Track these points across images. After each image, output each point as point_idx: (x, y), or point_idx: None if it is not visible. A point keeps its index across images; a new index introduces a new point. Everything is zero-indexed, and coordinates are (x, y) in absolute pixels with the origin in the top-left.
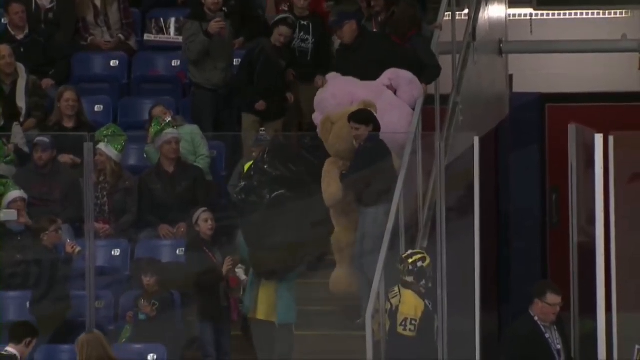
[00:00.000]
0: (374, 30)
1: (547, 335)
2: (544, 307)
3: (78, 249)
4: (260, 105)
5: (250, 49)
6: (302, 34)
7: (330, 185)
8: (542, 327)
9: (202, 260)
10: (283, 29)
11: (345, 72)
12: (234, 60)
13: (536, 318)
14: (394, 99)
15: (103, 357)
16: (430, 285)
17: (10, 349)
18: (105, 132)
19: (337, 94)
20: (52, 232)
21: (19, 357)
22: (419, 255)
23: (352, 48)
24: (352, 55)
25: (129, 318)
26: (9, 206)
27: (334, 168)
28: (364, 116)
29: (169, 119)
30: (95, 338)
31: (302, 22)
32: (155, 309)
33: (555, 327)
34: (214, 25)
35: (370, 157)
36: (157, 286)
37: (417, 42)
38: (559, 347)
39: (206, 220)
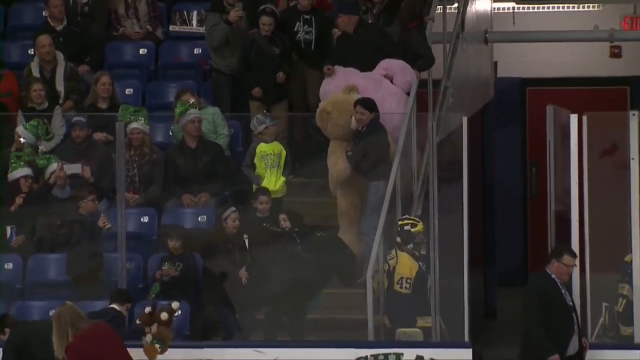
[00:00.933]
0: (370, 22)
1: (562, 291)
2: (560, 267)
3: (109, 225)
4: (257, 92)
5: (245, 41)
6: (305, 27)
7: (338, 163)
8: (559, 283)
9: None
10: (264, 19)
11: (344, 60)
12: None
13: (553, 276)
14: (391, 88)
15: (78, 321)
16: (423, 252)
17: (117, 307)
18: (127, 112)
19: (341, 86)
20: (89, 202)
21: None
22: (409, 221)
23: (352, 38)
24: (352, 44)
25: (159, 276)
26: (50, 177)
27: (339, 148)
28: (370, 104)
29: (192, 100)
30: (69, 307)
31: (306, 17)
32: (180, 269)
33: (565, 287)
34: (234, 15)
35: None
36: (181, 249)
37: (415, 34)
38: (571, 303)
39: (234, 220)
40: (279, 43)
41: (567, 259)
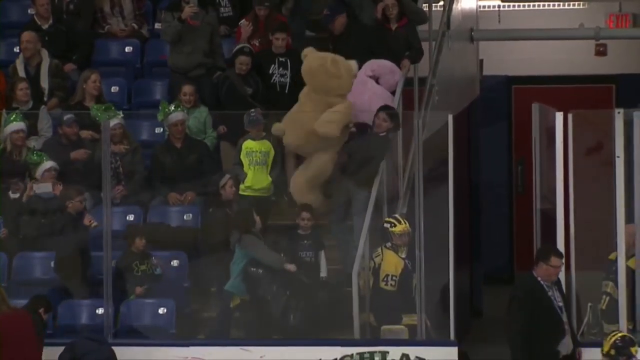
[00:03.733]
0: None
1: (549, 293)
2: (548, 269)
3: (94, 223)
4: (221, 129)
5: (217, 76)
6: (280, 69)
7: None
8: (544, 285)
9: (221, 219)
10: (241, 59)
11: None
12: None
13: (539, 278)
14: (377, 88)
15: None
16: (402, 255)
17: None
18: (99, 110)
19: None
20: (76, 202)
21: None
22: (390, 220)
23: (342, 37)
24: (343, 44)
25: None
26: (43, 174)
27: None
28: (395, 115)
29: (172, 107)
30: None
31: (281, 59)
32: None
33: (555, 287)
34: (188, 10)
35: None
36: (146, 248)
37: (407, 28)
38: (560, 304)
39: (231, 186)
40: (252, 83)
41: (553, 260)
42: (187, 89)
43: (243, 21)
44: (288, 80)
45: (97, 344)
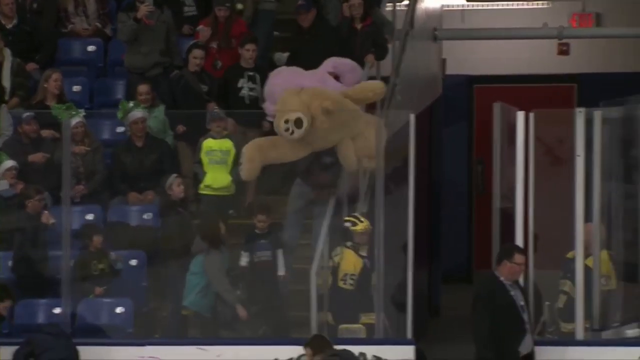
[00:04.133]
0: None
1: (511, 292)
2: (512, 267)
3: (52, 220)
4: (179, 129)
5: (171, 76)
6: (249, 83)
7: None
8: (506, 285)
9: (178, 220)
10: (196, 52)
11: (299, 57)
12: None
13: (502, 278)
14: (337, 86)
15: None
16: (363, 253)
17: None
18: (60, 109)
19: (283, 84)
20: (35, 201)
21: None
22: (351, 219)
23: (309, 35)
24: (309, 42)
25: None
26: (3, 173)
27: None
28: None
29: (131, 103)
30: None
31: (249, 73)
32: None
33: (516, 286)
34: (143, 9)
35: None
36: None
37: (372, 27)
38: (522, 303)
39: (178, 185)
40: (207, 81)
41: (517, 257)
42: (142, 88)
43: (201, 27)
44: (258, 94)
45: (55, 339)
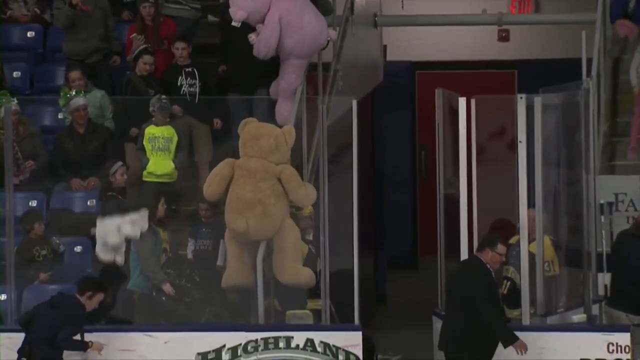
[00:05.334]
0: None
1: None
2: (494, 256)
3: None
4: (134, 131)
5: (120, 82)
6: (188, 79)
7: None
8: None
9: (117, 205)
10: (147, 58)
11: (233, 44)
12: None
13: (488, 265)
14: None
15: None
16: (309, 237)
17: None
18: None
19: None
20: None
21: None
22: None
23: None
24: (239, 30)
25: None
26: None
27: None
28: None
29: (73, 92)
30: None
31: (187, 69)
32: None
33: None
34: None
35: None
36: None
37: None
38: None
39: (122, 174)
40: (153, 85)
41: (500, 247)
42: (74, 75)
43: (134, 35)
44: (197, 89)
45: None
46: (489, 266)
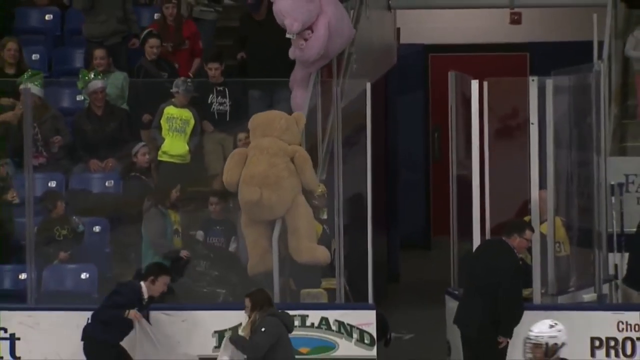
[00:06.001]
0: None
1: None
2: (521, 242)
3: (17, 200)
4: (146, 117)
5: (134, 68)
6: (219, 98)
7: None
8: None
9: (139, 185)
10: (151, 41)
11: (256, 49)
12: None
13: (515, 250)
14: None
15: None
16: (325, 216)
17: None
18: (25, 76)
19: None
20: None
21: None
22: None
23: (262, 23)
24: (263, 28)
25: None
26: None
27: None
28: None
29: (92, 74)
30: None
31: (218, 88)
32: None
33: None
34: None
35: None
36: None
37: None
38: None
39: (144, 154)
40: (166, 67)
41: (528, 233)
42: (98, 52)
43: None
44: (228, 108)
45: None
46: (515, 251)
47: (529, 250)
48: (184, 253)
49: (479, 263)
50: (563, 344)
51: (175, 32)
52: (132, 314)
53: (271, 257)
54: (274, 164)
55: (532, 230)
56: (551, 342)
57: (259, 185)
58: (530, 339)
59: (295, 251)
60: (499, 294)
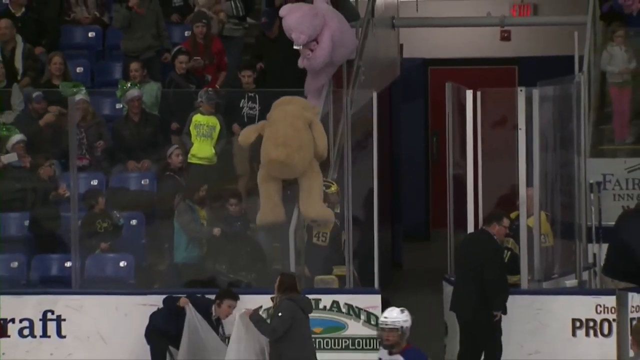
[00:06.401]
0: None
1: None
2: (500, 229)
3: (68, 194)
4: (174, 125)
5: (168, 80)
6: (249, 103)
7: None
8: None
9: (172, 184)
10: (181, 58)
11: (270, 64)
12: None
13: (495, 237)
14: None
15: None
16: (337, 210)
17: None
18: (67, 87)
19: (300, 14)
20: (46, 167)
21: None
22: (324, 183)
23: (276, 42)
24: (275, 44)
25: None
26: (13, 147)
27: None
28: None
29: (129, 84)
30: None
31: (250, 94)
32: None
33: None
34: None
35: None
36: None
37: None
38: None
39: (177, 155)
40: (194, 80)
41: (505, 221)
42: (134, 65)
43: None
44: (257, 112)
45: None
46: (495, 238)
47: (517, 241)
48: (216, 231)
49: (465, 252)
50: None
51: (205, 49)
52: (183, 300)
53: (280, 210)
54: (297, 127)
55: (508, 219)
56: (405, 325)
57: (282, 145)
58: (387, 324)
59: (307, 208)
60: (484, 275)
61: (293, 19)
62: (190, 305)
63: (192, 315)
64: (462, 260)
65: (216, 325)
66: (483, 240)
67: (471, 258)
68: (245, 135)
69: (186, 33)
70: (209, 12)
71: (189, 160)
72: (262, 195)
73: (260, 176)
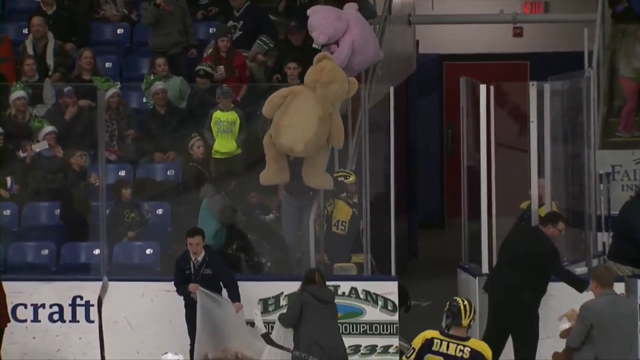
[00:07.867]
0: None
1: None
2: (554, 232)
3: (98, 182)
4: (194, 136)
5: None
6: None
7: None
8: None
9: (198, 173)
10: (199, 80)
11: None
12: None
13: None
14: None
15: None
16: (355, 200)
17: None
18: (99, 81)
19: (324, 16)
20: (77, 157)
21: None
22: (343, 174)
23: (299, 50)
24: (296, 50)
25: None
26: (44, 138)
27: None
28: None
29: (152, 77)
30: None
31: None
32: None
33: None
34: None
35: None
36: (134, 198)
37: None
38: None
39: (199, 147)
40: (213, 93)
41: (561, 225)
42: (159, 61)
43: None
44: None
45: None
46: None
47: None
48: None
49: (520, 246)
50: None
51: (227, 63)
52: (192, 286)
53: (286, 174)
54: (316, 120)
55: (565, 222)
56: None
57: (305, 121)
58: None
59: (309, 178)
60: (554, 274)
61: (316, 18)
62: (200, 289)
63: (203, 299)
64: (514, 252)
65: (203, 274)
66: (541, 241)
67: (526, 254)
68: (271, 105)
69: (211, 42)
70: (250, 64)
71: (212, 156)
72: (269, 157)
73: (267, 139)
